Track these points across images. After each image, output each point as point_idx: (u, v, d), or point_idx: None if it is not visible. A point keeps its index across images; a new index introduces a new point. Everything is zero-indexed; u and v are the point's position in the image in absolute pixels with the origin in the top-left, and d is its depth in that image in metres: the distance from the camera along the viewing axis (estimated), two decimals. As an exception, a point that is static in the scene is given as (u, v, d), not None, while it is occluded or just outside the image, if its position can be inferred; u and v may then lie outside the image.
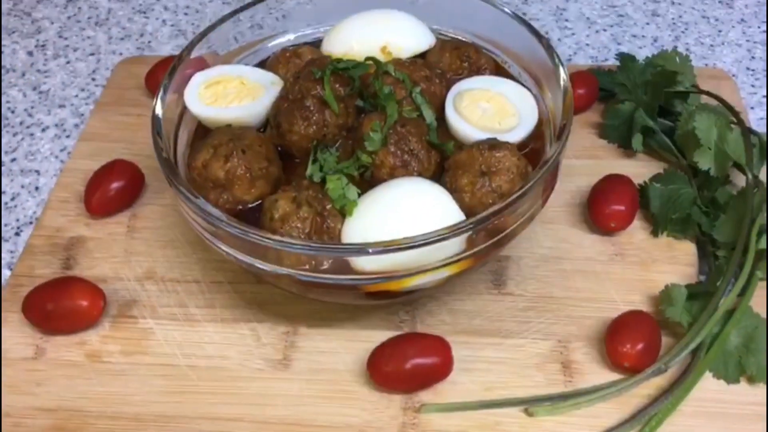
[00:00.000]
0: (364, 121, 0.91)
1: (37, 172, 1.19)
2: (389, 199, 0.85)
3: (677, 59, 1.17)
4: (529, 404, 0.87)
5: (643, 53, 1.34)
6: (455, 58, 1.03)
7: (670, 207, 1.01)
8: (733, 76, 1.30)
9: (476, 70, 1.03)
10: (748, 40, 1.37)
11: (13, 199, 1.15)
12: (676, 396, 0.87)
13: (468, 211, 0.87)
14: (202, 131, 0.98)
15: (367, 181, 0.91)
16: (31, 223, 1.12)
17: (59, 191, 1.12)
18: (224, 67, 1.03)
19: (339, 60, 0.97)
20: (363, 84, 0.96)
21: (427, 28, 1.07)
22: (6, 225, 1.12)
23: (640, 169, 1.11)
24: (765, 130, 1.19)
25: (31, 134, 1.25)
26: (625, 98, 1.13)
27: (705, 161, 1.03)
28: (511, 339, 0.93)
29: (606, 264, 1.00)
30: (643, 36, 1.39)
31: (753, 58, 1.34)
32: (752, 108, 1.25)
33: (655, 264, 1.00)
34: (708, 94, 1.11)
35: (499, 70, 1.05)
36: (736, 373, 0.89)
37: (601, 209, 1.01)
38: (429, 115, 0.94)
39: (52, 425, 0.88)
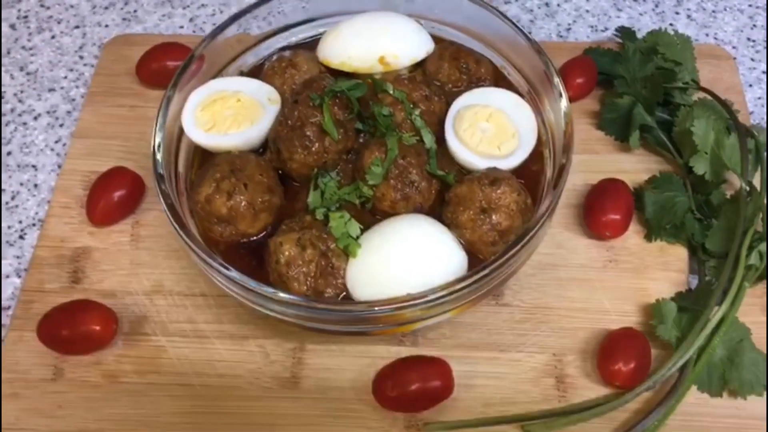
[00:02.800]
0: (365, 153, 0.92)
1: (34, 167, 1.19)
2: (392, 242, 0.87)
3: (678, 43, 1.15)
4: (525, 422, 0.93)
5: (644, 21, 1.32)
6: (454, 69, 1.01)
7: (664, 215, 1.04)
8: (734, 48, 1.29)
9: (476, 81, 1.02)
10: (750, 5, 1.34)
11: (13, 198, 1.15)
12: (663, 413, 0.92)
13: (468, 246, 0.89)
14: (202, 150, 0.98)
15: (369, 211, 0.93)
16: (34, 225, 1.13)
17: (60, 196, 1.12)
18: (220, 81, 1.01)
19: (336, 81, 0.96)
20: (362, 105, 0.96)
21: (425, 31, 1.05)
22: (9, 227, 1.13)
23: (636, 165, 1.12)
24: (763, 109, 1.19)
25: (24, 123, 1.23)
26: (623, 91, 1.13)
27: (701, 166, 1.04)
28: (508, 353, 0.98)
29: (600, 271, 1.04)
30: (644, 1, 1.35)
31: (754, 26, 1.32)
32: (750, 86, 1.24)
33: (648, 270, 1.04)
34: (707, 92, 1.10)
35: (498, 78, 1.04)
36: (720, 387, 0.94)
37: (597, 218, 1.03)
38: (429, 140, 0.95)
39: (77, 450, 0.93)
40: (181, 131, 0.98)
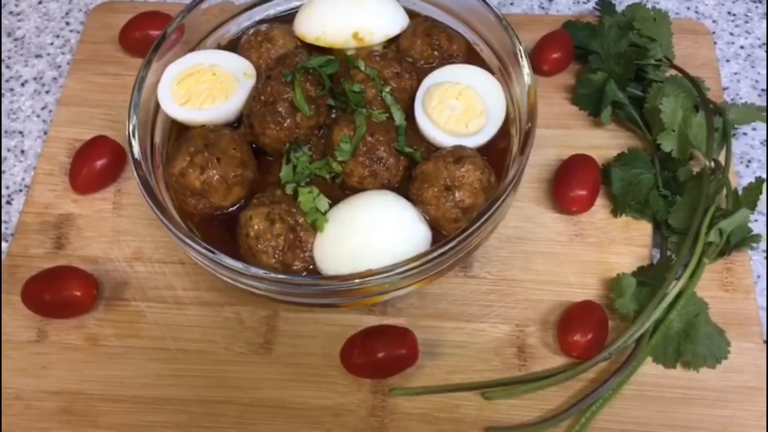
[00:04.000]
0: (334, 129, 0.94)
1: (21, 133, 1.22)
2: (359, 218, 0.90)
3: (654, 18, 1.16)
4: (486, 389, 0.97)
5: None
6: (426, 46, 1.03)
7: (629, 191, 1.06)
8: (714, 21, 1.30)
9: (447, 58, 1.03)
10: (732, -22, 1.34)
11: (1, 163, 1.19)
12: (618, 381, 0.96)
13: (433, 222, 0.93)
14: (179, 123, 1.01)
15: (338, 186, 0.96)
16: (20, 190, 1.16)
17: (44, 163, 1.15)
18: (196, 54, 1.03)
19: (309, 57, 0.98)
20: (334, 81, 0.98)
21: (400, 7, 1.06)
22: (-2, 191, 1.16)
23: (607, 141, 1.14)
24: (739, 84, 1.21)
25: (11, 89, 1.26)
26: (597, 67, 1.14)
27: (668, 143, 1.06)
28: (473, 323, 1.02)
29: (566, 245, 1.07)
30: (628, -31, 1.35)
31: (735, 0, 1.32)
32: (728, 61, 1.25)
33: (612, 245, 1.07)
34: (679, 69, 1.11)
35: (471, 54, 1.06)
36: (674, 358, 0.98)
37: (564, 193, 1.06)
38: (398, 117, 0.97)
39: (60, 408, 0.98)
40: (158, 105, 1.00)
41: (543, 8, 1.32)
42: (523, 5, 1.33)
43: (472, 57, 1.06)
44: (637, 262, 1.05)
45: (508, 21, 1.00)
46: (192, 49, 1.05)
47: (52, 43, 1.31)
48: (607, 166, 1.10)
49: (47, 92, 1.26)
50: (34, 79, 1.27)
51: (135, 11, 1.26)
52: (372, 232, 0.89)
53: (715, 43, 1.26)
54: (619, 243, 1.07)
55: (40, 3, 1.36)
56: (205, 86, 0.99)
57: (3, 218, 1.14)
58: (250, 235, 0.90)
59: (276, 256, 0.90)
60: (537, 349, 1.00)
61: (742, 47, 1.27)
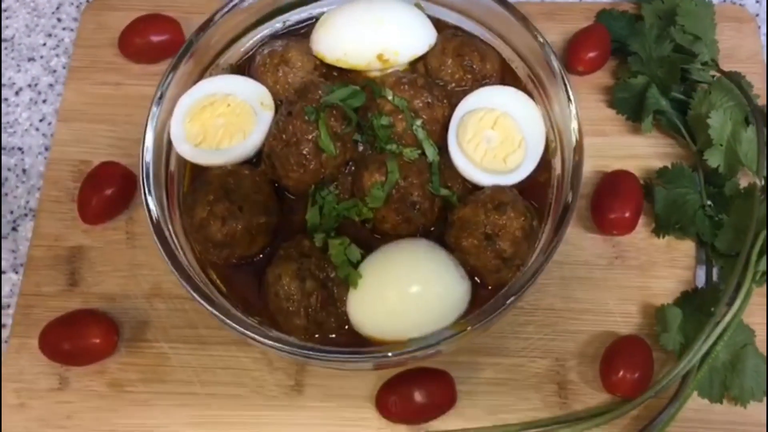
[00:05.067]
0: (365, 174, 0.88)
1: (21, 150, 1.14)
2: (394, 274, 0.85)
3: (698, 12, 1.07)
4: (527, 430, 0.94)
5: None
6: (458, 67, 0.95)
7: (674, 212, 1.00)
8: (757, 1, 1.20)
9: (480, 80, 0.95)
10: (778, -51, 1.24)
11: (1, 185, 1.12)
12: (665, 420, 0.94)
13: (472, 271, 0.87)
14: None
15: (369, 229, 0.90)
16: (26, 215, 1.10)
17: (49, 189, 1.09)
18: (209, 82, 0.95)
19: (331, 88, 0.90)
20: (359, 110, 0.91)
21: (427, 20, 0.97)
22: (2, 218, 1.10)
23: (648, 149, 1.08)
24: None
25: (6, 99, 1.17)
26: (637, 70, 1.06)
27: (715, 159, 1.00)
28: (510, 358, 0.98)
29: (605, 269, 1.02)
30: (664, -56, 1.24)
31: (780, -25, 1.22)
32: (773, 48, 1.17)
33: (654, 267, 1.02)
34: (725, 74, 1.03)
35: (505, 72, 0.98)
36: (720, 393, 0.95)
37: (604, 215, 1.00)
38: (431, 153, 0.90)
39: (88, 460, 0.95)
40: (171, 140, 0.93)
41: (574, -9, 1.22)
42: (552, -12, 1.23)
43: (506, 74, 0.97)
44: (681, 287, 1.00)
45: (545, 38, 0.92)
46: (204, 69, 0.97)
47: (44, 44, 1.21)
48: (648, 183, 1.03)
49: (44, 101, 1.17)
50: (29, 86, 1.18)
51: (130, 7, 1.17)
52: (409, 290, 0.84)
53: (759, 27, 1.17)
54: (662, 265, 1.02)
55: (27, -3, 1.25)
56: (221, 122, 0.91)
57: (11, 247, 1.08)
58: (280, 295, 0.85)
59: (308, 316, 0.85)
60: (578, 385, 0.97)
61: (788, 32, 1.18)
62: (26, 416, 0.97)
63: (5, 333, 1.02)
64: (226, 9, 0.94)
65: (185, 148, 0.90)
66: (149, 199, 0.85)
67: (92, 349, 0.96)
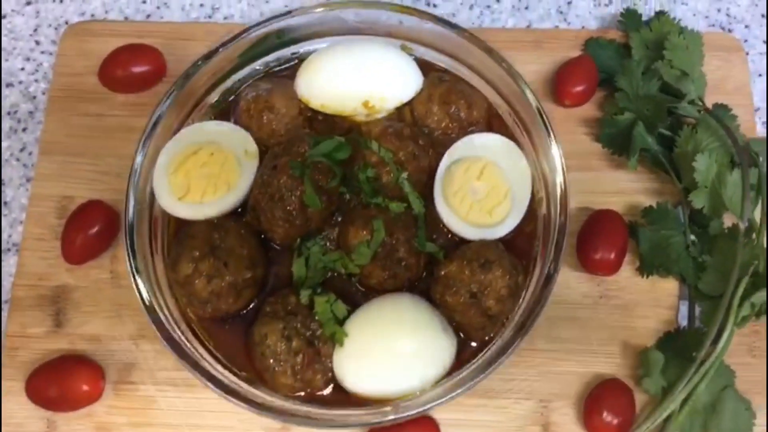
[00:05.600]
0: (350, 230, 0.87)
1: (2, 182, 1.13)
2: (380, 331, 0.86)
3: (686, 45, 1.06)
4: (510, 474, 0.96)
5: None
6: (444, 115, 0.94)
7: (658, 254, 1.01)
8: (746, 27, 1.19)
9: (467, 127, 0.95)
10: (768, -27, 1.22)
11: (-17, 219, 1.11)
12: (645, 462, 0.96)
13: (458, 327, 0.88)
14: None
15: (355, 283, 0.90)
16: (9, 249, 1.09)
17: (32, 226, 1.07)
18: (191, 130, 0.94)
19: (315, 139, 0.89)
20: (346, 163, 0.90)
21: (413, 64, 0.96)
22: (-16, 254, 1.09)
23: (633, 184, 1.08)
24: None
25: (-15, 127, 1.16)
26: (624, 107, 1.05)
27: (699, 201, 1.00)
28: (495, 399, 0.99)
29: (590, 308, 1.03)
30: (653, -34, 1.23)
31: (771, -1, 1.21)
32: (759, 75, 1.16)
33: (638, 307, 1.03)
34: (713, 115, 1.03)
35: (492, 117, 0.97)
36: (700, 434, 0.97)
37: (590, 256, 1.01)
38: (417, 205, 0.90)
39: (79, 507, 0.96)
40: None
41: (561, 12, 1.21)
42: (540, 9, 1.21)
43: (493, 119, 0.97)
44: (664, 327, 1.02)
45: (530, 89, 0.91)
46: (186, 116, 0.95)
47: (23, 68, 1.19)
48: (633, 223, 1.03)
49: (24, 130, 1.15)
50: (8, 114, 1.16)
51: (110, 32, 1.15)
52: (395, 349, 0.85)
53: (747, 53, 1.16)
54: (645, 305, 1.03)
55: (4, 17, 1.22)
56: (205, 172, 0.91)
57: (-7, 283, 1.08)
58: (266, 354, 0.85)
59: (295, 375, 0.85)
60: (561, 427, 0.98)
61: (775, 58, 1.17)
62: (15, 461, 0.98)
63: (-9, 372, 1.03)
64: (209, 53, 0.92)
65: (169, 202, 0.90)
66: (138, 279, 0.85)
67: (79, 396, 0.97)
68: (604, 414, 0.95)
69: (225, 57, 0.95)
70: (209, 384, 0.81)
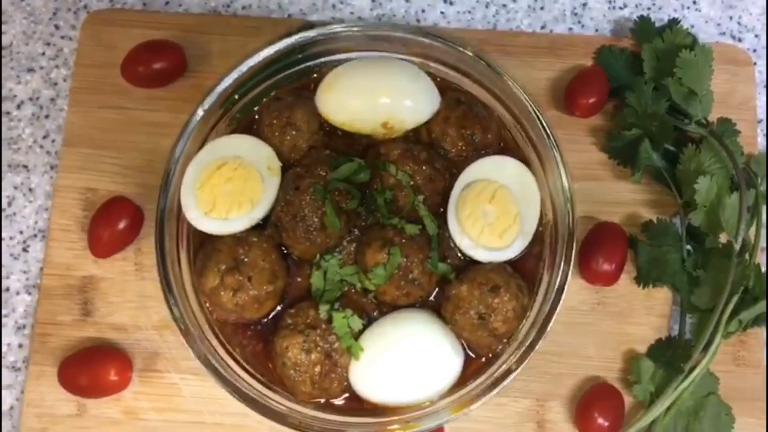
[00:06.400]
0: (367, 252, 0.92)
1: (26, 167, 1.16)
2: (393, 345, 0.93)
3: (697, 62, 1.09)
4: (506, 467, 1.05)
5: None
6: (460, 138, 0.97)
7: (655, 267, 1.07)
8: (755, 36, 1.21)
9: (481, 149, 0.99)
10: (782, -21, 1.24)
11: (10, 204, 1.15)
12: (631, 459, 1.04)
13: (466, 343, 0.95)
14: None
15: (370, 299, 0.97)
16: (35, 236, 1.14)
17: (58, 216, 1.12)
18: (216, 145, 0.98)
19: (336, 159, 0.93)
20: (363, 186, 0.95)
21: (431, 84, 0.99)
22: (11, 239, 1.14)
23: (636, 196, 1.13)
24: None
25: (8, 113, 1.18)
26: (632, 122, 1.09)
27: (697, 219, 1.05)
28: (495, 397, 1.05)
29: (587, 314, 1.09)
30: (668, -28, 1.24)
31: (782, 5, 1.22)
32: (765, 87, 1.19)
33: (633, 314, 1.09)
34: (717, 138, 1.06)
35: (504, 138, 1.01)
36: (682, 436, 1.05)
37: (591, 268, 1.06)
38: (431, 227, 0.95)
39: (107, 484, 1.05)
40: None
41: (576, 14, 1.22)
42: (555, 10, 1.22)
43: (505, 139, 1.00)
44: (656, 334, 1.09)
45: (545, 117, 0.95)
46: (211, 128, 0.99)
47: (43, 53, 1.21)
48: (633, 237, 1.09)
49: (47, 117, 1.18)
50: (30, 99, 1.19)
51: (129, 23, 1.18)
52: (407, 362, 0.92)
53: (754, 63, 1.19)
54: (640, 313, 1.09)
55: (22, 0, 1.23)
56: (229, 188, 0.95)
57: (22, 268, 1.13)
58: (287, 364, 0.91)
59: (314, 384, 0.92)
60: (555, 424, 1.06)
61: (783, 69, 1.20)
62: (47, 442, 1.06)
63: (23, 354, 1.09)
64: (236, 73, 0.95)
65: (195, 216, 0.94)
66: (170, 298, 0.91)
67: (108, 385, 1.04)
68: (596, 416, 1.03)
69: (249, 72, 0.97)
70: (236, 396, 0.88)
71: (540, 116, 0.94)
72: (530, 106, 0.94)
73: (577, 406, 1.05)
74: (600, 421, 1.02)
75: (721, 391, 1.06)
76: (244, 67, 0.96)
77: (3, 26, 1.21)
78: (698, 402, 1.05)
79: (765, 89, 1.19)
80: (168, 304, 0.92)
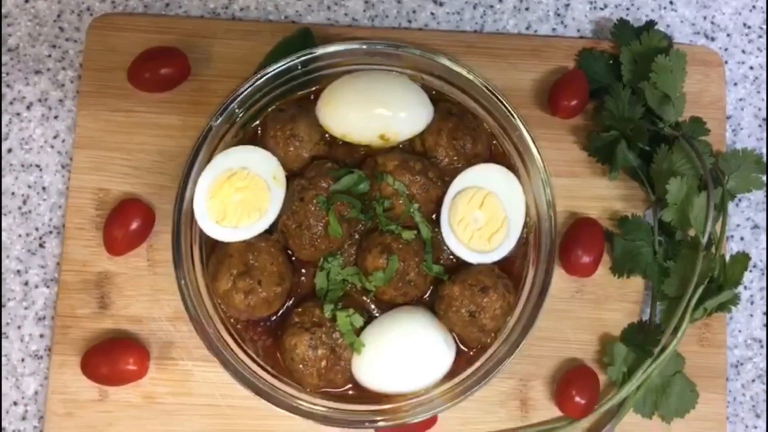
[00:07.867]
0: (368, 257, 1.01)
1: (38, 167, 1.23)
2: (392, 340, 1.02)
3: (671, 68, 1.17)
4: (492, 439, 1.16)
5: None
6: (451, 149, 1.05)
7: (629, 260, 1.16)
8: (728, 36, 1.29)
9: (471, 158, 1.06)
10: (753, -20, 1.30)
11: (25, 202, 1.22)
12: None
13: (457, 337, 1.05)
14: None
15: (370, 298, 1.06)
16: (50, 232, 1.21)
17: (73, 216, 1.19)
18: (225, 157, 1.05)
19: (337, 170, 1.01)
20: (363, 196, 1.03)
21: (425, 97, 1.07)
22: (28, 235, 1.21)
23: (613, 191, 1.21)
24: (742, 112, 1.26)
25: (18, 113, 1.24)
26: (610, 125, 1.17)
27: (669, 216, 1.14)
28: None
29: (566, 302, 1.19)
30: (646, -29, 1.30)
31: (754, 8, 1.29)
32: (735, 84, 1.27)
33: (608, 301, 1.19)
34: (688, 141, 1.15)
35: (492, 147, 1.09)
36: (651, 411, 1.17)
37: (570, 260, 1.16)
38: (426, 232, 1.04)
39: (129, 461, 1.15)
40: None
41: (559, 15, 1.29)
42: (539, 11, 1.29)
43: (494, 147, 1.09)
44: (628, 318, 1.19)
45: (526, 126, 1.03)
46: (219, 140, 1.06)
47: (49, 55, 1.26)
48: (609, 231, 1.18)
49: (56, 117, 1.24)
50: (39, 101, 1.24)
51: (133, 28, 1.22)
52: (405, 354, 1.02)
53: (726, 62, 1.27)
54: (614, 300, 1.19)
55: (27, 2, 1.27)
56: (238, 198, 1.02)
57: (40, 263, 1.21)
58: (295, 359, 1.01)
59: (320, 376, 1.02)
60: (537, 402, 1.17)
61: (751, 68, 1.28)
62: (75, 423, 1.15)
63: (44, 343, 1.18)
64: (246, 88, 1.02)
65: (209, 225, 1.02)
66: (185, 291, 0.98)
67: (128, 374, 1.13)
68: (574, 394, 1.13)
69: (255, 87, 1.04)
70: (247, 387, 0.98)
71: (525, 128, 1.01)
72: (515, 117, 1.02)
73: (557, 386, 1.16)
74: (578, 399, 1.13)
75: (686, 370, 1.17)
76: (251, 84, 1.02)
77: (9, 29, 1.26)
78: (666, 380, 1.16)
79: (736, 87, 1.27)
80: (185, 306, 1.01)
